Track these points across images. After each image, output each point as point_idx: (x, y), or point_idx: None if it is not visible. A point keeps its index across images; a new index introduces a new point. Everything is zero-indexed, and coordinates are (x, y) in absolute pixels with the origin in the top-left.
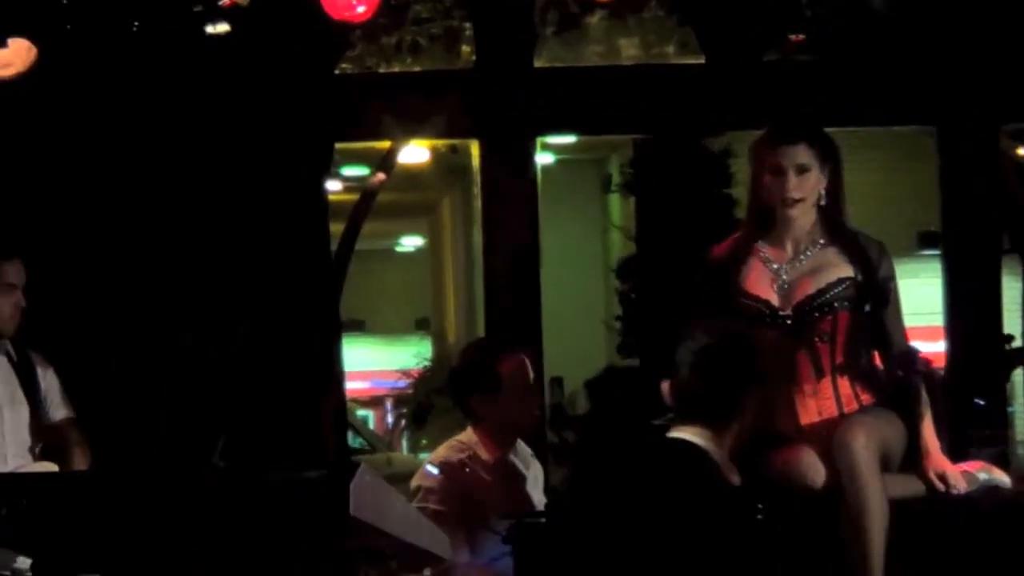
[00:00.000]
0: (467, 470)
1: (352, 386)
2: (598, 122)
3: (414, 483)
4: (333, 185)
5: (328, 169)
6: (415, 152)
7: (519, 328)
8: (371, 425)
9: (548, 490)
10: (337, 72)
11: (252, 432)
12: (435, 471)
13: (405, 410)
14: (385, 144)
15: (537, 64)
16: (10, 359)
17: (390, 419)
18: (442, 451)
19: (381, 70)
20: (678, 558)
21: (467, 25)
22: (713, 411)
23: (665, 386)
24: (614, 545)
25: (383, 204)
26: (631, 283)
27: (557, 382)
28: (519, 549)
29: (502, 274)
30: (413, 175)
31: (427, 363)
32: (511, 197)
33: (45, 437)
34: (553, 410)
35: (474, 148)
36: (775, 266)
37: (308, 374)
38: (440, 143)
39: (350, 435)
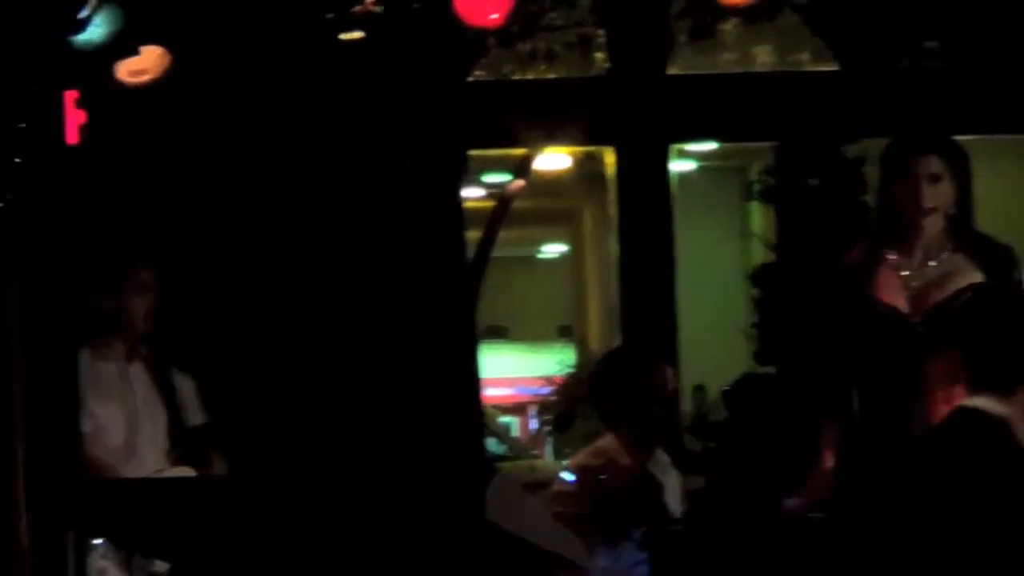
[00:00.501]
0: (604, 477)
1: (495, 393)
2: (731, 129)
3: (552, 489)
4: (473, 192)
5: (462, 176)
6: (557, 159)
7: (655, 335)
8: (515, 432)
9: (686, 498)
10: (471, 79)
11: (389, 440)
12: (572, 478)
13: (548, 417)
14: (520, 151)
15: (671, 71)
16: (147, 364)
17: (533, 426)
18: (580, 457)
19: (515, 77)
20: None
21: (601, 32)
22: (1004, 378)
23: None
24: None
25: (525, 211)
26: (767, 290)
27: (699, 389)
28: (656, 556)
29: (638, 282)
30: (555, 182)
31: (570, 370)
32: (645, 204)
33: (182, 442)
34: (695, 417)
35: (608, 156)
36: (904, 273)
37: (445, 382)
38: (575, 150)
39: (493, 442)
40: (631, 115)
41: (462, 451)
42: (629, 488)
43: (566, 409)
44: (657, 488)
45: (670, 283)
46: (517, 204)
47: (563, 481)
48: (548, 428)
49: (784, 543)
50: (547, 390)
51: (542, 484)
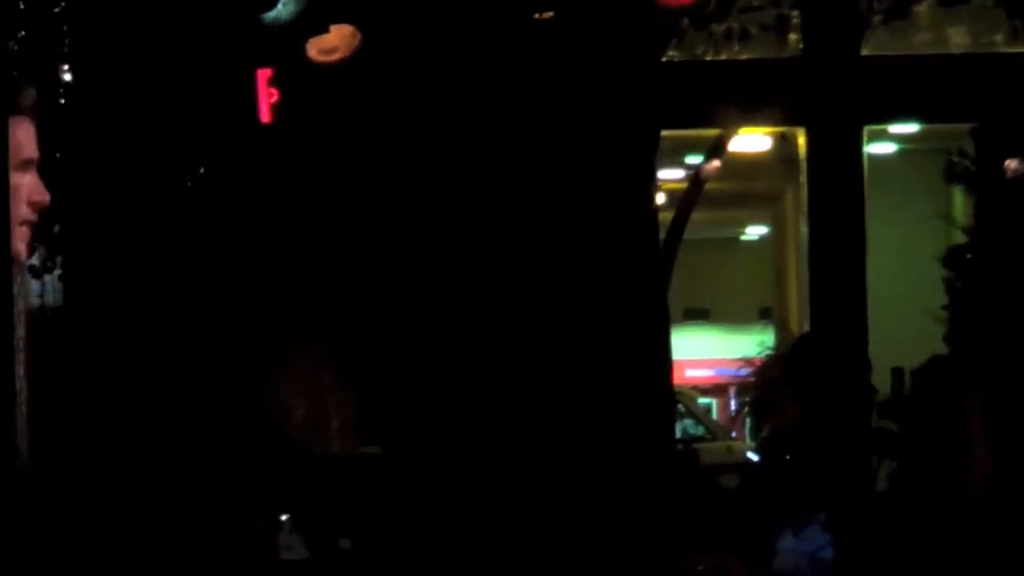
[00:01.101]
0: (790, 457)
1: (695, 374)
2: (925, 111)
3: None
4: (675, 173)
5: (655, 156)
6: (758, 141)
7: (844, 318)
8: (714, 413)
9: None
10: (664, 59)
11: (579, 422)
12: (758, 458)
13: (747, 399)
14: (715, 132)
15: (864, 52)
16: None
17: (733, 407)
18: (769, 436)
19: (709, 58)
20: None
21: (795, 13)
22: None
23: None
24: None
25: (728, 193)
26: (960, 273)
27: (898, 372)
28: (841, 539)
29: (827, 264)
30: (757, 164)
31: (769, 352)
32: (837, 186)
33: (364, 422)
34: (891, 399)
35: (800, 137)
36: None
37: (639, 363)
38: (772, 131)
39: (691, 423)
40: (824, 96)
41: (653, 434)
42: (816, 468)
43: (764, 391)
44: (844, 468)
45: (861, 266)
46: (720, 186)
47: (751, 462)
48: (747, 410)
49: (965, 527)
50: (747, 372)
51: (738, 466)
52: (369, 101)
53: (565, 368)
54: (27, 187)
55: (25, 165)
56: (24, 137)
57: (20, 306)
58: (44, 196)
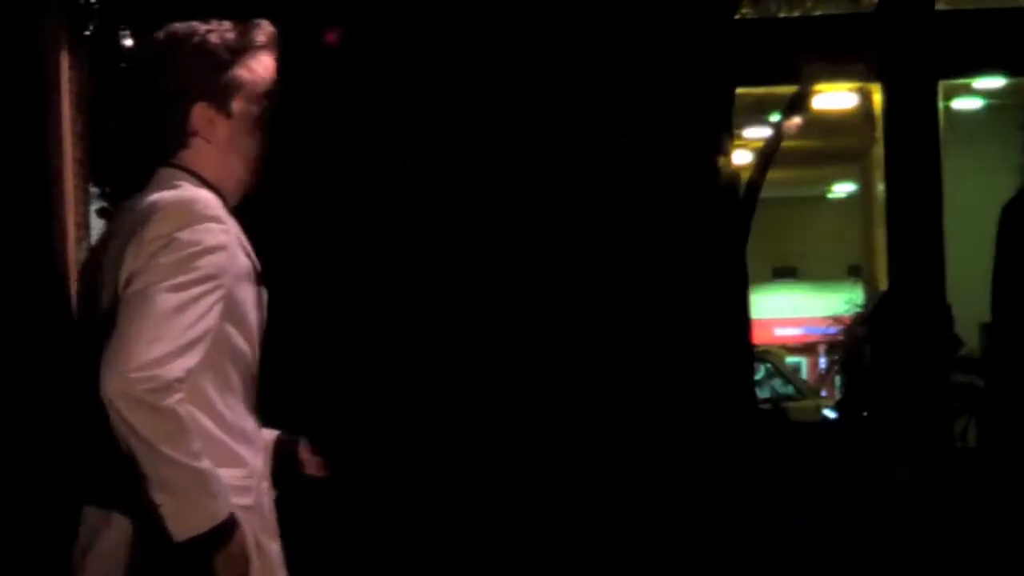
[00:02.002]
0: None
1: (784, 333)
2: (1001, 64)
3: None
4: (754, 132)
5: (730, 115)
6: (843, 98)
7: (922, 274)
8: (803, 372)
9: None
10: (738, 17)
11: (657, 384)
12: (834, 415)
13: (836, 357)
14: (791, 89)
15: (939, 7)
16: None
17: (823, 366)
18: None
19: (783, 15)
20: None
21: None
22: None
23: None
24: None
25: (815, 151)
26: None
27: (985, 329)
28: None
29: (904, 220)
30: (843, 121)
31: (858, 309)
32: (914, 141)
33: None
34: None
35: (877, 93)
36: None
37: (718, 321)
38: (853, 87)
39: (780, 382)
40: (899, 51)
41: (733, 394)
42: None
43: (852, 349)
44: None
45: (938, 221)
46: (807, 144)
47: (828, 419)
48: (836, 368)
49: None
50: (836, 330)
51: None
52: (376, 98)
53: (647, 333)
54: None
55: (264, 97)
56: (263, 72)
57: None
58: None
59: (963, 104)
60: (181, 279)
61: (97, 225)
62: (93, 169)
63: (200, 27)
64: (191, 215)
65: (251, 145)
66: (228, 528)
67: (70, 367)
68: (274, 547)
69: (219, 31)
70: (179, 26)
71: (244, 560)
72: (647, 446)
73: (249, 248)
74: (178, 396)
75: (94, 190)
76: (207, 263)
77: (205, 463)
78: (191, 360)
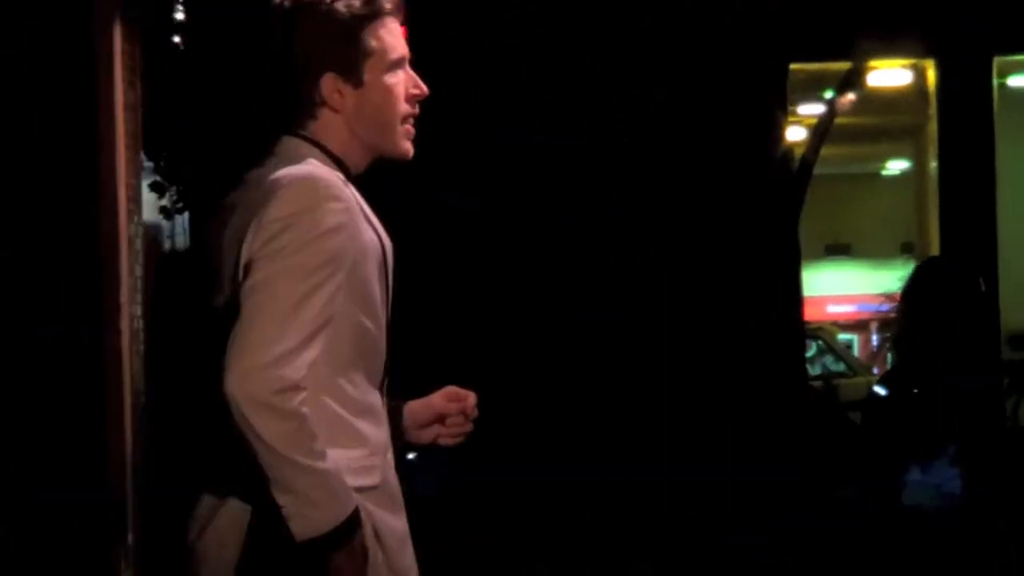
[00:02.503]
0: (916, 391)
1: (837, 310)
2: None
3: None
4: (808, 109)
5: (784, 90)
6: (898, 75)
7: (975, 252)
8: (855, 349)
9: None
10: None
11: (709, 359)
12: (883, 391)
13: (888, 334)
14: (845, 65)
15: None
16: None
17: (875, 342)
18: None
19: None
20: None
21: None
22: None
23: None
24: None
25: (869, 127)
26: None
27: None
28: (969, 472)
29: (957, 198)
30: (898, 98)
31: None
32: (967, 118)
33: None
34: None
35: (930, 69)
36: None
37: (770, 297)
38: (904, 64)
39: (831, 359)
40: (953, 27)
41: (784, 369)
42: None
43: (902, 325)
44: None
45: (991, 199)
46: (860, 121)
47: (877, 395)
48: (888, 345)
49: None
50: (888, 307)
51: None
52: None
53: (700, 308)
54: (402, 83)
55: (395, 65)
56: (391, 40)
57: (138, 246)
58: (421, 88)
59: (1018, 82)
60: (303, 266)
61: (149, 199)
62: (146, 142)
63: None
64: (311, 196)
65: (388, 113)
66: (350, 526)
67: (197, 349)
68: (398, 524)
69: None
70: None
71: (364, 555)
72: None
73: (374, 219)
74: (302, 396)
75: (147, 164)
76: (328, 246)
77: (327, 463)
78: (314, 351)
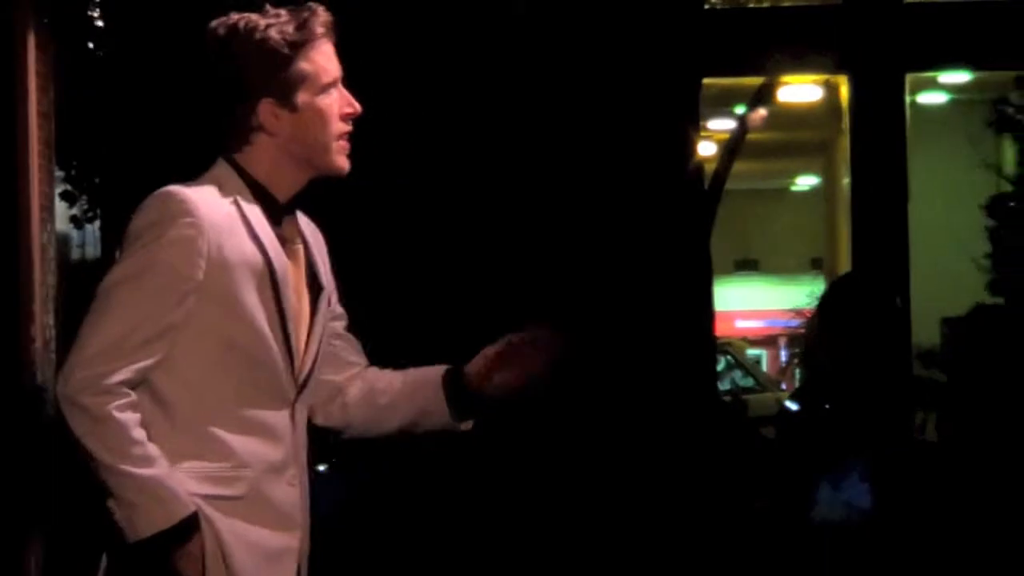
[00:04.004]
0: (828, 407)
1: (746, 325)
2: (970, 58)
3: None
4: (723, 124)
5: (696, 105)
6: (807, 91)
7: (886, 266)
8: (764, 365)
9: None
10: (707, 7)
11: (623, 373)
12: (795, 407)
13: (797, 350)
14: (758, 80)
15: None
16: None
17: (783, 358)
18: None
19: (752, 5)
20: None
21: None
22: None
23: None
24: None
25: (778, 143)
26: (1002, 221)
27: (946, 322)
28: (879, 486)
29: (869, 212)
30: (806, 114)
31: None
32: (880, 134)
33: None
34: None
35: (844, 86)
36: None
37: (680, 315)
38: (819, 80)
39: (740, 374)
40: (866, 43)
41: (696, 385)
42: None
43: (813, 342)
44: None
45: (903, 214)
46: (769, 136)
47: (788, 410)
48: (796, 360)
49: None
50: (797, 322)
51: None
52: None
53: (612, 324)
54: (336, 103)
55: (329, 86)
56: (324, 62)
57: (51, 254)
58: (354, 106)
59: (929, 99)
60: (135, 275)
61: (61, 207)
62: (59, 151)
63: (259, 21)
64: (158, 210)
65: (323, 134)
66: (180, 531)
67: None
68: (266, 539)
69: (278, 24)
70: (236, 20)
71: (201, 560)
72: (611, 436)
73: (265, 237)
74: (119, 400)
75: (59, 172)
76: (164, 256)
77: (152, 469)
78: (145, 358)
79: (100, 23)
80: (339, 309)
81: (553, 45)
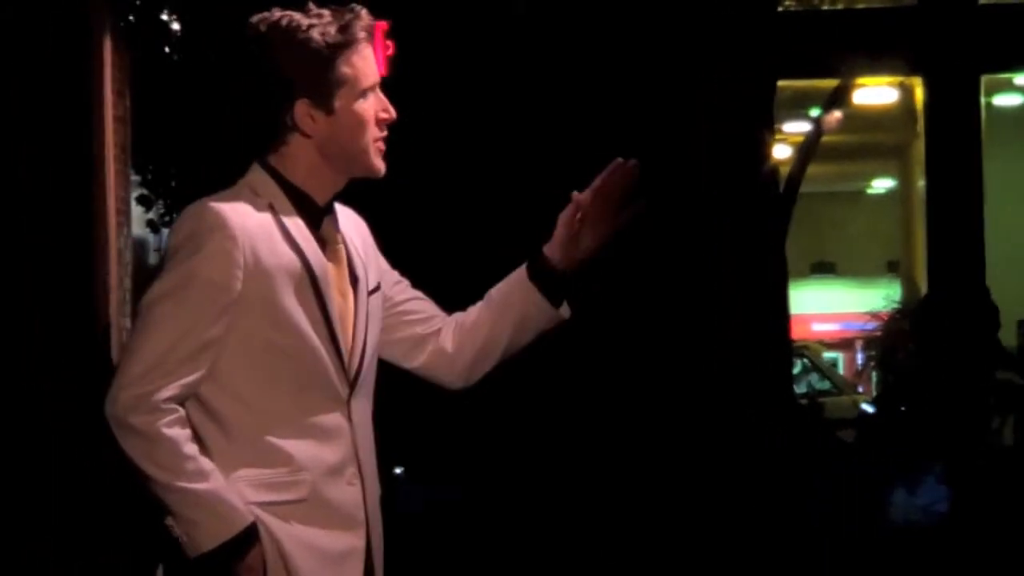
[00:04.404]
0: (905, 410)
1: (822, 328)
2: None
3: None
4: (793, 127)
5: (771, 107)
6: (883, 93)
7: (962, 270)
8: (840, 367)
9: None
10: (781, 9)
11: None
12: (872, 410)
13: (873, 353)
14: (833, 83)
15: (981, 1)
16: None
17: (860, 361)
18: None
19: (826, 7)
20: None
21: None
22: None
23: None
24: None
25: (854, 146)
26: None
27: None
28: (956, 490)
29: (944, 215)
30: (883, 116)
31: (896, 305)
32: (954, 136)
33: None
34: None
35: (919, 87)
36: None
37: (757, 315)
38: (894, 82)
39: (816, 377)
40: (941, 45)
41: (773, 388)
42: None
43: (889, 345)
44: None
45: (978, 216)
46: (846, 139)
47: (865, 413)
48: (873, 364)
49: None
50: (873, 326)
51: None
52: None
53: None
54: (372, 108)
55: (367, 91)
56: (363, 67)
57: (128, 258)
58: (390, 112)
59: (1004, 100)
60: (174, 290)
61: (137, 212)
62: (135, 155)
63: (302, 21)
64: (194, 224)
65: (359, 139)
66: (238, 544)
67: None
68: (328, 541)
69: (321, 25)
70: (279, 18)
71: (262, 570)
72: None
73: (302, 240)
74: (168, 417)
75: (135, 177)
76: (202, 270)
77: (206, 483)
78: (187, 375)
79: (176, 27)
80: (396, 276)
81: (629, 47)
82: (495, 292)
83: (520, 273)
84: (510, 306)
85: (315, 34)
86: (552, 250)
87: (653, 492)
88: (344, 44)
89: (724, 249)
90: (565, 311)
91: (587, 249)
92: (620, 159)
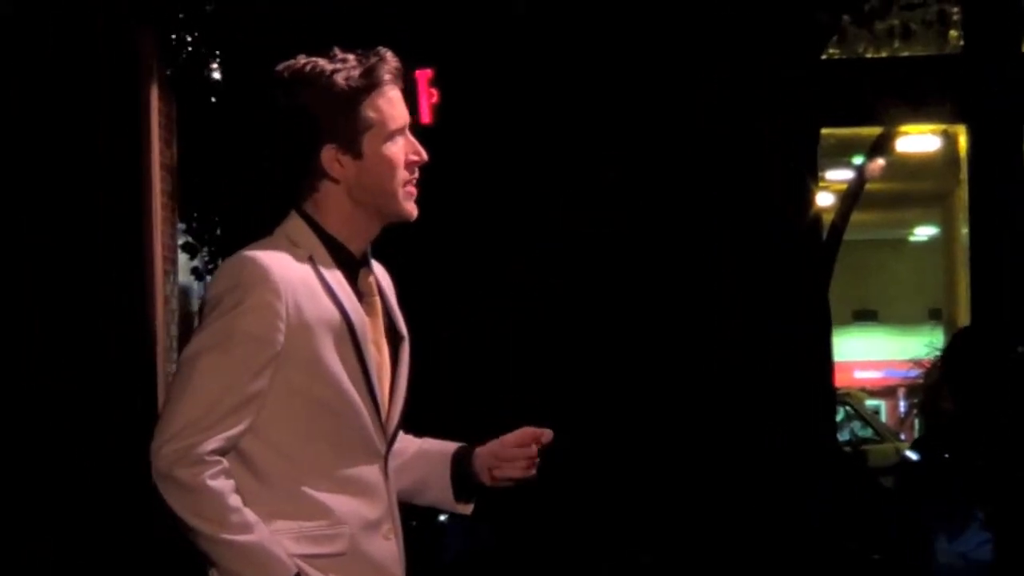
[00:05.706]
0: (948, 456)
1: (864, 375)
2: None
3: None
4: (837, 174)
5: (815, 155)
6: (926, 140)
7: (1005, 319)
8: (883, 415)
9: None
10: (825, 57)
11: (739, 425)
12: (915, 457)
13: (916, 400)
14: (876, 130)
15: None
16: None
17: (902, 409)
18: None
19: (870, 55)
20: None
21: (956, 10)
22: None
23: None
24: None
25: (896, 193)
26: None
27: None
28: (1001, 536)
29: (988, 263)
30: (925, 164)
31: (938, 353)
32: (998, 183)
33: None
34: None
35: (962, 135)
36: None
37: (799, 364)
38: (937, 130)
39: (859, 425)
40: (984, 93)
41: (815, 434)
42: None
43: (932, 392)
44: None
45: (1022, 264)
46: (888, 186)
47: (908, 459)
48: (915, 411)
49: None
50: (916, 373)
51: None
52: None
53: (729, 375)
54: (401, 151)
55: (395, 134)
56: (390, 110)
57: (174, 305)
58: (421, 154)
59: None
60: (218, 344)
61: (182, 259)
62: (180, 203)
63: (326, 66)
64: (236, 276)
65: (388, 182)
66: None
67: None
68: None
69: (345, 69)
70: (303, 64)
71: None
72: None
73: (342, 293)
74: (211, 469)
75: (180, 225)
76: (244, 324)
77: (251, 535)
78: (231, 428)
79: (219, 76)
80: None
81: (630, 47)
82: (427, 442)
83: (452, 446)
84: (421, 466)
85: (339, 78)
86: (478, 454)
87: (656, 495)
88: (369, 87)
89: (724, 249)
90: (465, 508)
91: (495, 483)
92: (534, 432)
